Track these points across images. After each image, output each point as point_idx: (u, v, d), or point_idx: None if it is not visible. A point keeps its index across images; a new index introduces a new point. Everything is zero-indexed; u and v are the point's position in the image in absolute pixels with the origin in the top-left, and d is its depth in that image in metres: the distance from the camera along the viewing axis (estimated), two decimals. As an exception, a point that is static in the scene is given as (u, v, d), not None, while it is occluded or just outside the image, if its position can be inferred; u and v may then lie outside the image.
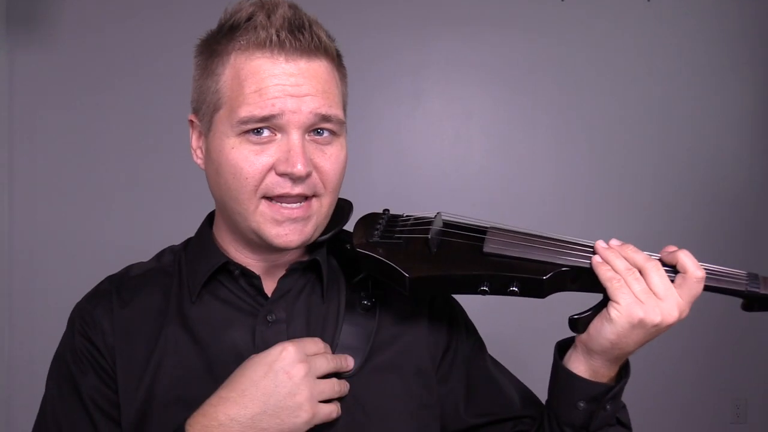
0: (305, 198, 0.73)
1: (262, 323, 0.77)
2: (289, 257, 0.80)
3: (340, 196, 0.80)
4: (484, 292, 0.70)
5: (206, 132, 0.77)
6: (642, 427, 2.46)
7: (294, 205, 0.73)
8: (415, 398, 0.79)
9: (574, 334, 0.74)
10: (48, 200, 2.48)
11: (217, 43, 0.75)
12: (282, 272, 0.79)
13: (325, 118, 0.73)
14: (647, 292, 0.69)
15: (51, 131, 2.48)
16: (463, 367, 0.84)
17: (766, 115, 2.65)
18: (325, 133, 0.74)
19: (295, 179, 0.71)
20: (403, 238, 0.75)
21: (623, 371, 0.76)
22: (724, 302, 2.91)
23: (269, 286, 0.79)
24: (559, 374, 0.74)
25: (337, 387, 0.73)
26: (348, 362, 0.75)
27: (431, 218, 0.77)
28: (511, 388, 0.86)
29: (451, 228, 0.76)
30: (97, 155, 2.49)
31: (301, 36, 0.72)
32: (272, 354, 0.70)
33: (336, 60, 0.77)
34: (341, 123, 0.75)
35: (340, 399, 0.74)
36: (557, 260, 0.71)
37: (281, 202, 0.73)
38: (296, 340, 0.72)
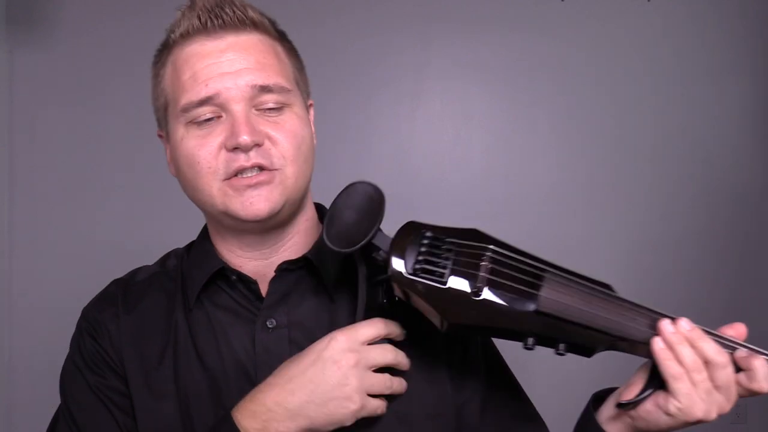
0: (264, 170, 0.72)
1: (261, 330, 0.75)
2: (284, 255, 0.79)
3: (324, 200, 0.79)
4: (526, 348, 0.64)
5: (167, 138, 0.78)
6: (642, 427, 2.44)
7: (253, 173, 0.72)
8: (429, 405, 0.76)
9: (611, 387, 0.71)
10: (48, 200, 2.48)
11: (160, 53, 0.77)
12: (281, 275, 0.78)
13: (265, 89, 0.72)
14: (710, 392, 0.62)
15: (51, 131, 2.48)
16: (481, 378, 0.81)
17: (766, 115, 2.65)
18: (272, 104, 0.73)
19: (245, 150, 0.70)
20: (446, 276, 0.65)
21: None
22: (724, 301, 2.91)
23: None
24: (588, 425, 0.70)
25: (389, 383, 0.70)
26: (406, 359, 0.71)
27: (481, 251, 0.66)
28: (524, 410, 0.83)
29: (502, 276, 0.65)
30: (98, 155, 2.48)
31: (223, 13, 0.73)
32: (322, 343, 0.68)
33: (274, 34, 0.77)
34: (286, 91, 0.74)
35: (392, 397, 0.71)
36: (616, 332, 0.63)
37: (240, 175, 0.72)
38: (350, 327, 0.69)
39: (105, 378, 0.76)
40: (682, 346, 0.62)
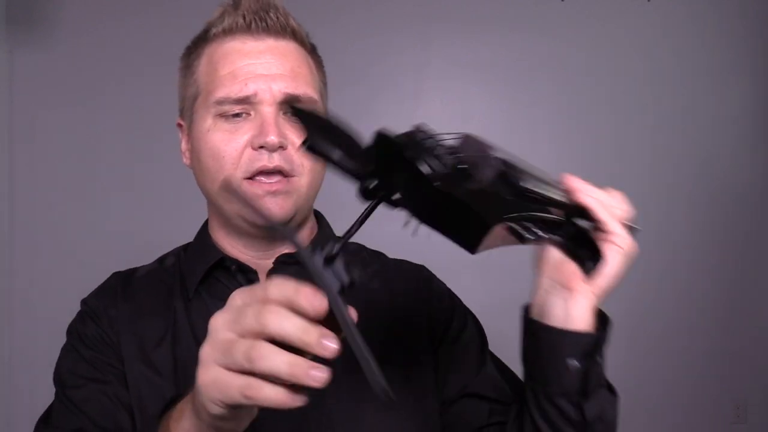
0: (283, 175, 0.75)
1: None
2: (284, 249, 0.80)
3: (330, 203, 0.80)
4: (526, 239, 0.59)
5: (189, 127, 0.80)
6: (642, 427, 2.45)
7: (273, 179, 0.74)
8: (419, 388, 0.78)
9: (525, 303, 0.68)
10: (48, 200, 2.48)
11: (195, 45, 0.80)
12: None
13: (296, 98, 0.75)
14: None
15: (51, 131, 2.48)
16: (454, 352, 0.82)
17: (766, 116, 2.65)
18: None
19: (270, 150, 0.73)
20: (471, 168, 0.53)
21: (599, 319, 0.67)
22: (724, 300, 2.90)
23: None
24: (540, 335, 0.64)
25: (278, 359, 0.44)
26: (326, 343, 0.44)
27: (459, 134, 0.55)
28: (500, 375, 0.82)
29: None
30: (98, 155, 2.49)
31: (267, 17, 0.76)
32: None
33: (307, 46, 0.80)
34: (313, 101, 0.77)
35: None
36: (568, 200, 0.64)
37: (260, 179, 0.74)
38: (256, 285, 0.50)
39: (102, 354, 0.77)
40: (591, 189, 0.66)
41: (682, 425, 2.62)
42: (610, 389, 0.67)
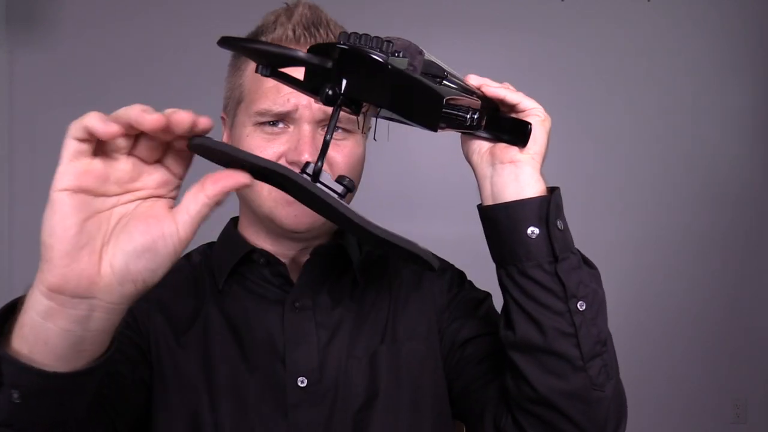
0: None
1: (290, 310, 0.78)
2: (317, 243, 0.82)
3: None
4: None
5: (230, 125, 0.82)
6: (642, 427, 2.45)
7: None
8: (431, 361, 0.81)
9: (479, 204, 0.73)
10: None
11: None
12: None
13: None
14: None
15: (51, 131, 2.47)
16: (455, 313, 0.84)
17: (766, 115, 2.65)
18: (339, 130, 0.77)
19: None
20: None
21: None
22: (725, 300, 2.89)
23: (296, 274, 0.81)
24: (498, 215, 0.69)
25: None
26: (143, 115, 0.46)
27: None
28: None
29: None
30: (97, 155, 2.49)
31: (317, 32, 0.76)
32: None
33: None
34: (351, 122, 0.78)
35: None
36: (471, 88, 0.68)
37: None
38: None
39: (125, 331, 0.76)
40: (491, 81, 0.71)
41: (681, 425, 2.62)
42: (589, 265, 0.71)
